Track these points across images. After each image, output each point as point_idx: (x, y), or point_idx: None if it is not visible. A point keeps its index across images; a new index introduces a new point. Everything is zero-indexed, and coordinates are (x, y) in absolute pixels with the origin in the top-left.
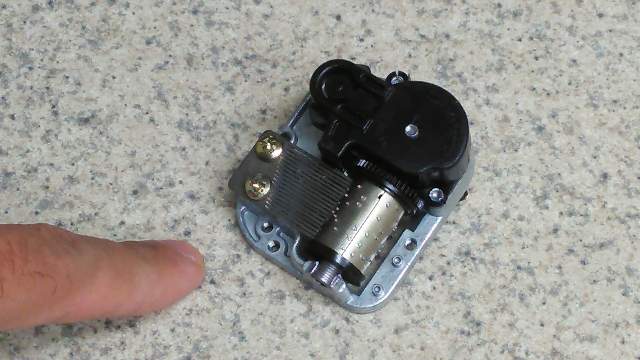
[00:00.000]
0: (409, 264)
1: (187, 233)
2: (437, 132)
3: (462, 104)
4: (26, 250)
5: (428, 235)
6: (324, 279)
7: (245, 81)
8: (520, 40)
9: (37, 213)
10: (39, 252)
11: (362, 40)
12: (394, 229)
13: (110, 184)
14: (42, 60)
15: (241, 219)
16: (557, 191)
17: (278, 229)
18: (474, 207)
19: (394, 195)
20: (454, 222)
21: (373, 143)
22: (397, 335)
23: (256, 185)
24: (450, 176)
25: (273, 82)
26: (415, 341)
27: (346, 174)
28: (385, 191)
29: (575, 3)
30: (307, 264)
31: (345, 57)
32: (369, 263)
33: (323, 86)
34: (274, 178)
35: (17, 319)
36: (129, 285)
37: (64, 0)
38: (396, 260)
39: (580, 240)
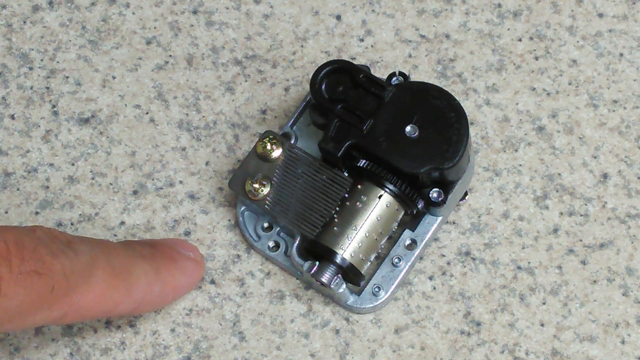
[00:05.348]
0: (409, 264)
1: (187, 233)
2: (437, 132)
3: (462, 104)
4: (23, 249)
5: (428, 235)
6: (324, 279)
7: (246, 81)
8: (520, 40)
9: (37, 213)
10: (36, 251)
11: (362, 40)
12: (394, 229)
13: (110, 184)
14: (42, 60)
15: (241, 219)
16: (557, 191)
17: (278, 229)
18: (474, 207)
19: (394, 195)
20: (454, 222)
21: (373, 143)
22: (397, 335)
23: (256, 185)
24: (450, 176)
25: (273, 82)
26: (415, 341)
27: (346, 174)
28: (386, 191)
29: (575, 3)
30: (307, 264)
31: (345, 57)
32: (369, 263)
33: (323, 86)
34: (274, 178)
35: (15, 319)
36: (126, 283)
37: (64, 0)
38: (396, 260)
39: (581, 240)
